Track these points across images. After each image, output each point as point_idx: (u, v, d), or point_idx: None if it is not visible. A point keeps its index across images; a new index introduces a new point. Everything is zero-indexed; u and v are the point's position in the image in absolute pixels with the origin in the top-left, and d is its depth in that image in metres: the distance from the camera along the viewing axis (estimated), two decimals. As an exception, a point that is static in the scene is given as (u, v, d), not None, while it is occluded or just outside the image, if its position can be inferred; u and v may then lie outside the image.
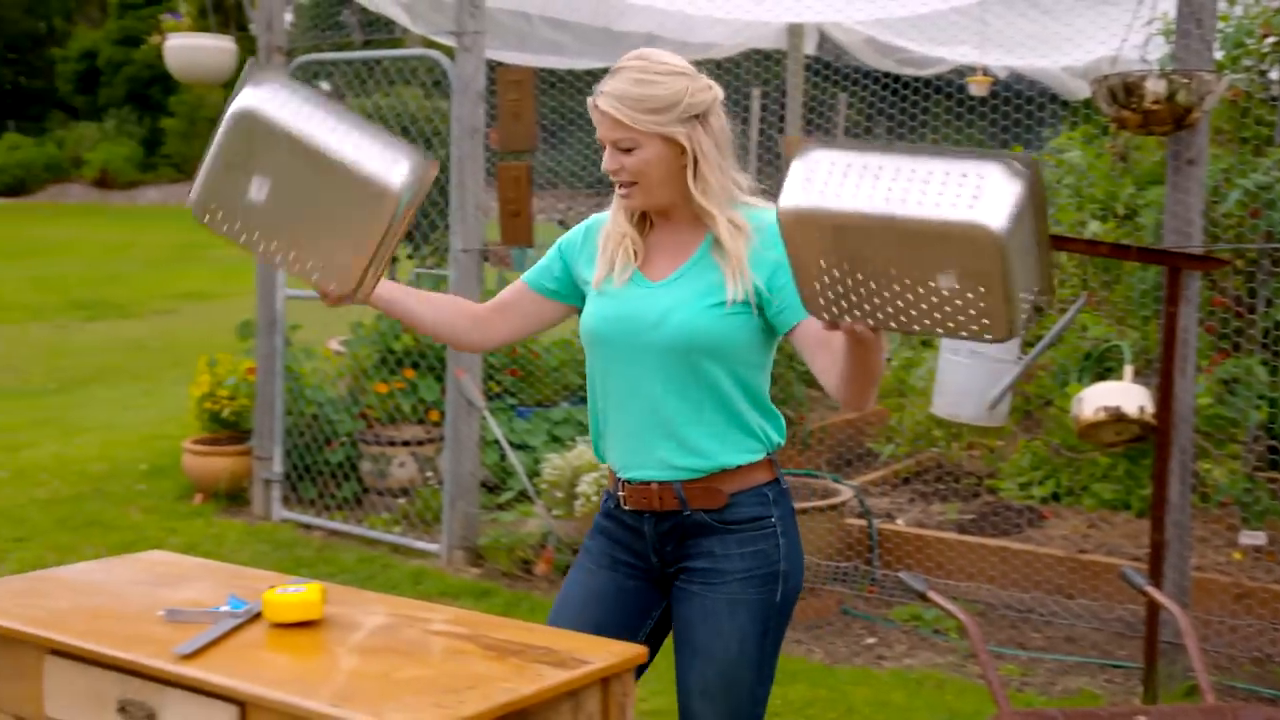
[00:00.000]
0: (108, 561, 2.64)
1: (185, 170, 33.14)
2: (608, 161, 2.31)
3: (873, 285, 1.81)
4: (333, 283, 2.12)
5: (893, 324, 1.84)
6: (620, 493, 2.38)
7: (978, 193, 1.68)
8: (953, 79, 6.71)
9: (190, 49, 6.26)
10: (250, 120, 2.07)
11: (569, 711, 1.95)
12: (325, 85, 7.13)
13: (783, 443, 2.38)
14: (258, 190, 2.06)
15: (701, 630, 2.30)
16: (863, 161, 1.75)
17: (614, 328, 2.34)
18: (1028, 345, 4.82)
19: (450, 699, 1.80)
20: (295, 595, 2.11)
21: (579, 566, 2.47)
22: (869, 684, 4.13)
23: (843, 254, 1.81)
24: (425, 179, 2.08)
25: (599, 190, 7.54)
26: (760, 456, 2.33)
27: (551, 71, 6.89)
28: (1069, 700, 4.01)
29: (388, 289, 2.37)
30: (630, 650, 2.03)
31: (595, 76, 7.12)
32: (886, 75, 6.65)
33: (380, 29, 6.30)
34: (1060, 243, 4.01)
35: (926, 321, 1.80)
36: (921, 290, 1.78)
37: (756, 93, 7.91)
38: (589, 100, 2.35)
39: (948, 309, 1.77)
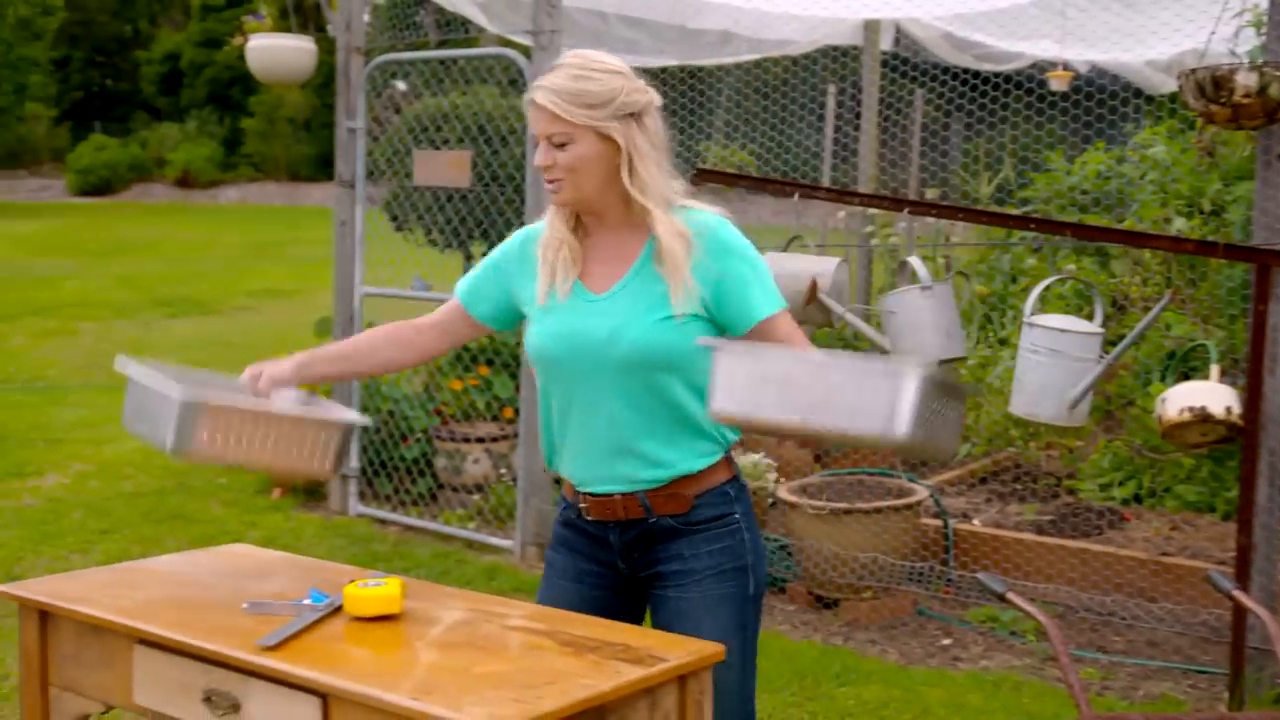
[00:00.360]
0: (192, 554, 2.69)
1: (264, 170, 33.69)
2: (540, 157, 2.29)
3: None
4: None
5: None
6: (581, 504, 2.37)
7: (883, 403, 1.86)
8: (1033, 74, 6.61)
9: (272, 49, 6.35)
10: None
11: (646, 709, 1.95)
12: (401, 84, 7.20)
13: (736, 439, 2.38)
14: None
15: (681, 631, 2.29)
16: (778, 372, 1.92)
17: (563, 346, 2.31)
18: (1110, 344, 4.74)
19: (529, 694, 1.81)
20: (376, 589, 2.13)
21: (546, 581, 2.46)
22: (944, 685, 4.09)
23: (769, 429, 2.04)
24: None
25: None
26: (718, 457, 2.34)
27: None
28: (1151, 705, 3.94)
29: (312, 371, 2.44)
30: (708, 649, 2.03)
31: (671, 75, 7.14)
32: (965, 71, 6.57)
33: (456, 29, 6.34)
34: (1144, 240, 3.95)
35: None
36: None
37: (832, 90, 7.85)
38: (525, 97, 2.34)
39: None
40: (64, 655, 2.30)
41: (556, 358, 2.31)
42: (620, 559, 2.38)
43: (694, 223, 2.29)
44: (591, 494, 2.35)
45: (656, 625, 2.35)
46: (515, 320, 2.45)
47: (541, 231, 2.41)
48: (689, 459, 2.31)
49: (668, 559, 2.34)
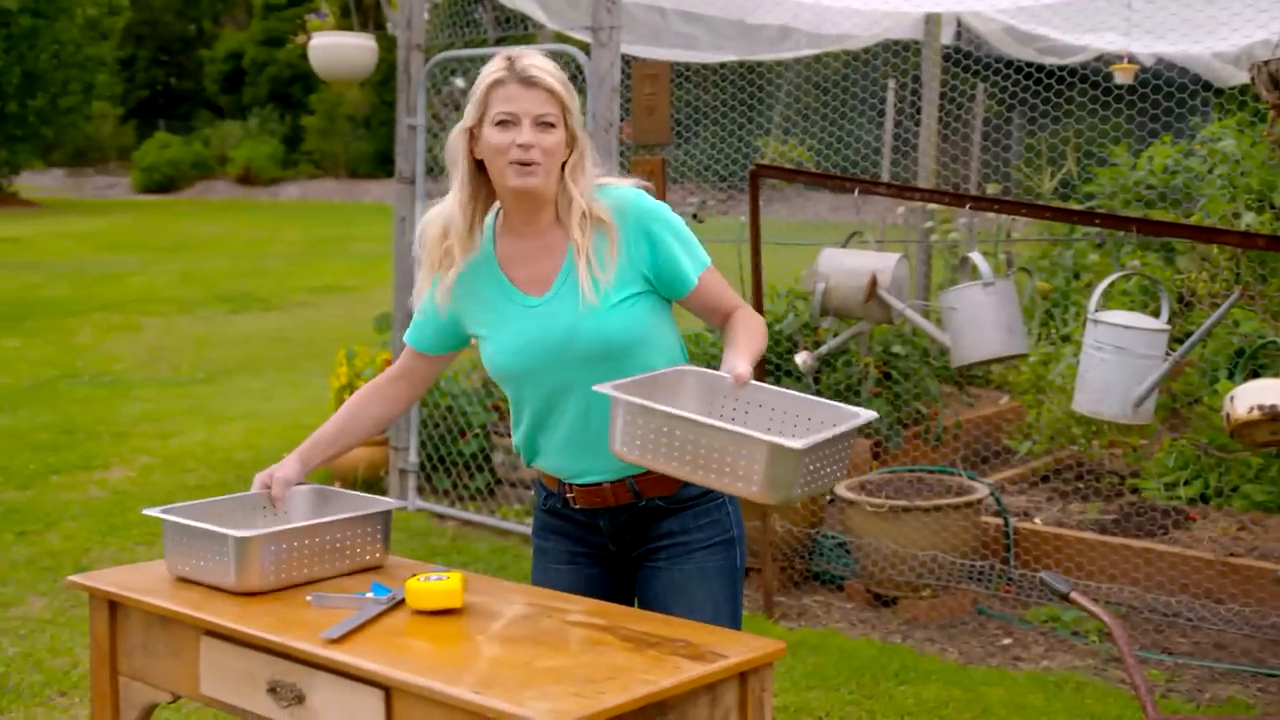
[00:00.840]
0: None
1: (323, 167, 34.06)
2: (525, 135, 2.23)
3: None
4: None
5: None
6: (568, 494, 2.39)
7: (756, 471, 2.02)
8: (1099, 67, 6.51)
9: (335, 47, 6.41)
10: None
11: (707, 705, 1.94)
12: (460, 81, 7.24)
13: None
14: None
15: (675, 603, 2.33)
16: (668, 429, 2.06)
17: (521, 359, 2.31)
18: (1176, 341, 4.67)
19: (590, 689, 1.81)
20: (437, 583, 2.14)
21: (539, 569, 2.49)
22: (1005, 685, 4.04)
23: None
24: None
25: (731, 184, 7.51)
26: None
27: (686, 65, 6.88)
28: (1218, 709, 3.87)
29: (314, 460, 2.53)
30: (770, 645, 2.02)
31: (729, 70, 7.11)
32: (1027, 65, 6.48)
33: (515, 25, 6.37)
34: (1213, 235, 3.88)
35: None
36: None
37: (892, 84, 7.79)
38: (492, 79, 2.26)
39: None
40: (133, 645, 2.33)
41: (520, 371, 2.32)
42: (610, 541, 2.42)
43: (612, 199, 2.30)
44: (579, 484, 2.37)
45: (647, 598, 2.39)
46: (467, 337, 2.44)
47: (425, 220, 2.39)
48: None
49: (659, 535, 2.38)
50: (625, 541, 2.42)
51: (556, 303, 2.29)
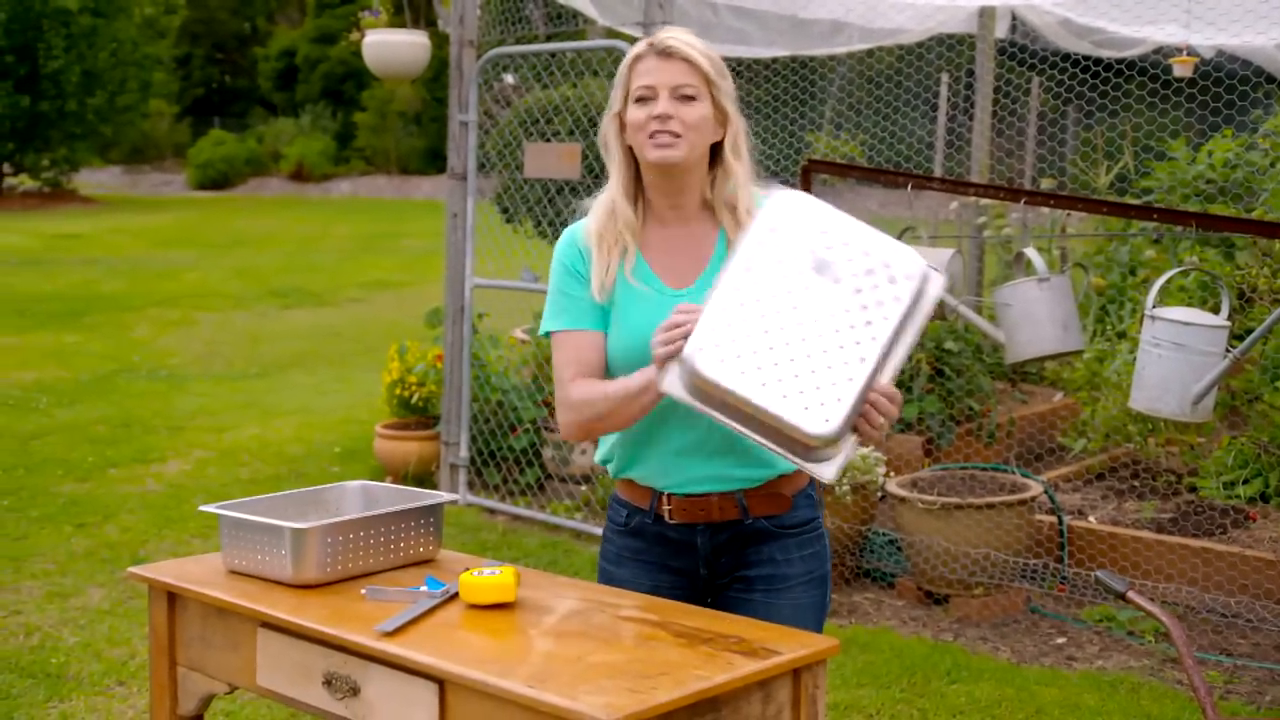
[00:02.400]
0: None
1: (375, 163, 34.32)
2: (663, 106, 2.14)
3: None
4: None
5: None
6: (665, 508, 2.24)
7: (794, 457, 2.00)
8: (1157, 60, 6.42)
9: (388, 45, 6.45)
10: None
11: (759, 702, 1.94)
12: (510, 78, 7.26)
13: None
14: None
15: None
16: (724, 403, 1.98)
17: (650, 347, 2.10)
18: (1236, 338, 4.60)
19: (643, 685, 1.81)
20: (491, 578, 2.15)
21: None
22: (1059, 685, 4.00)
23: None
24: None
25: (783, 180, 7.48)
26: None
27: (739, 61, 6.86)
28: (1279, 712, 3.81)
29: None
30: (823, 642, 2.01)
31: (781, 65, 7.08)
32: (1084, 58, 6.40)
33: (566, 21, 6.38)
34: (1275, 230, 3.81)
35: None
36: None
37: (945, 78, 7.73)
38: (634, 55, 2.18)
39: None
40: (191, 636, 2.36)
41: (644, 358, 2.12)
42: (703, 564, 2.28)
43: (765, 201, 2.22)
44: (681, 495, 2.23)
45: None
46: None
47: (583, 231, 2.26)
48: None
49: (759, 562, 2.25)
50: (720, 565, 2.27)
51: (697, 298, 2.11)
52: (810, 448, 1.99)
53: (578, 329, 2.23)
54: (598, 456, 2.35)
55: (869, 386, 1.98)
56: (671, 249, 2.23)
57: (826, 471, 2.00)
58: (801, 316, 1.99)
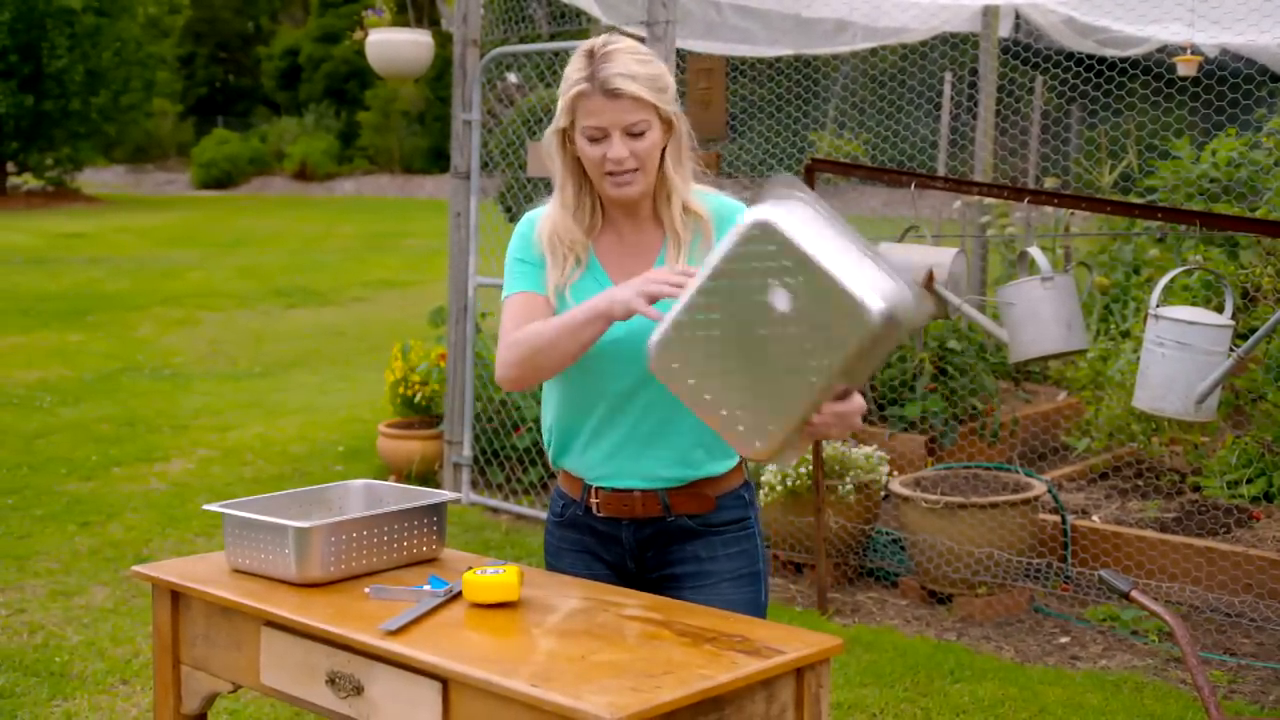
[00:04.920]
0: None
1: (378, 162, 34.34)
2: (616, 149, 2.16)
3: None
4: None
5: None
6: (593, 500, 2.31)
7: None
8: (1161, 59, 6.41)
9: (391, 44, 6.45)
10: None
11: (763, 701, 1.94)
12: (513, 77, 7.27)
13: None
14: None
15: None
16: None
17: (603, 357, 2.21)
18: (1240, 337, 4.59)
19: (647, 684, 1.82)
20: (494, 577, 2.15)
21: None
22: (1062, 684, 4.00)
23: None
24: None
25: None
26: (738, 460, 2.31)
27: (741, 60, 6.86)
28: (1282, 711, 3.81)
29: None
30: (826, 641, 2.01)
31: (785, 64, 7.08)
32: (1088, 57, 6.39)
33: (569, 20, 6.38)
34: (1277, 229, 3.81)
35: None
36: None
37: (948, 77, 7.72)
38: (576, 90, 2.17)
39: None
40: (194, 635, 2.36)
41: (597, 368, 2.23)
42: (630, 558, 2.33)
43: (711, 201, 2.26)
44: (607, 489, 2.29)
45: None
46: None
47: (536, 224, 2.31)
48: (714, 461, 2.28)
49: (683, 560, 2.30)
50: (646, 560, 2.33)
51: None
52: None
53: (536, 292, 2.29)
54: (544, 438, 2.40)
55: (806, 418, 1.95)
56: (625, 250, 2.29)
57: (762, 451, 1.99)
58: (755, 346, 1.95)
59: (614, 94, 2.15)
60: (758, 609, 2.31)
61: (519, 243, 2.33)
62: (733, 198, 2.31)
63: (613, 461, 2.29)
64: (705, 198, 2.28)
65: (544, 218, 2.31)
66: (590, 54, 2.18)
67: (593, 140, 2.19)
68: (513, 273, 2.32)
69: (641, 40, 5.31)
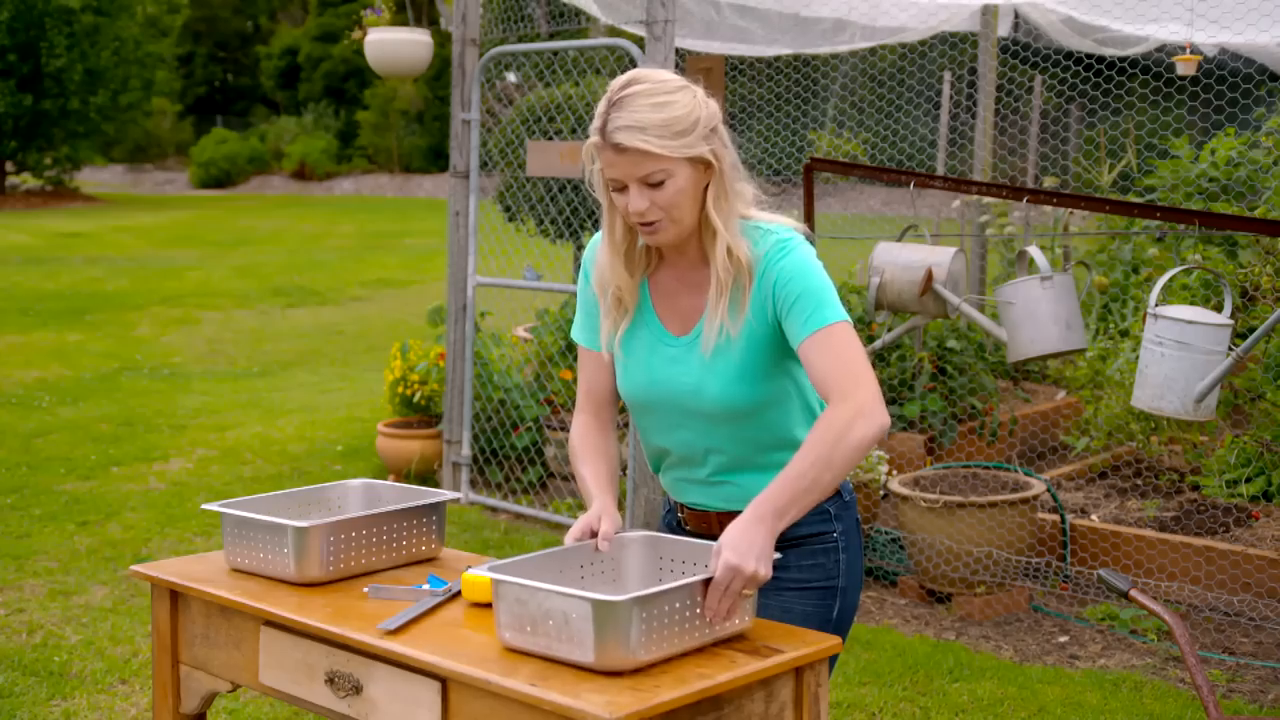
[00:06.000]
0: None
1: (377, 161, 34.34)
2: (635, 202, 2.10)
3: None
4: None
5: None
6: (680, 514, 2.36)
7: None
8: (1160, 58, 6.41)
9: (390, 43, 6.45)
10: None
11: (762, 700, 1.94)
12: (512, 76, 7.26)
13: None
14: None
15: None
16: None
17: (651, 394, 2.24)
18: (1239, 337, 4.59)
19: (646, 683, 1.82)
20: (493, 576, 2.15)
21: None
22: (1061, 683, 4.00)
23: None
24: None
25: (785, 178, 7.48)
26: None
27: (740, 59, 6.86)
28: (1280, 710, 3.81)
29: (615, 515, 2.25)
30: (825, 641, 2.01)
31: (784, 64, 7.09)
32: (1087, 56, 6.39)
33: (569, 20, 6.38)
34: (1277, 228, 3.81)
35: None
36: None
37: (947, 77, 7.73)
38: (589, 142, 2.13)
39: None
40: (194, 634, 2.36)
41: (646, 403, 2.26)
42: None
43: (756, 243, 2.16)
44: (690, 507, 2.33)
45: None
46: None
47: (598, 250, 2.28)
48: None
49: None
50: None
51: (692, 350, 2.19)
52: None
53: (591, 349, 2.35)
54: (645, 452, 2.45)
55: None
56: (676, 292, 2.26)
57: None
58: None
59: (619, 149, 2.08)
60: (825, 623, 2.25)
61: (582, 273, 2.34)
62: (781, 224, 2.20)
63: (689, 490, 2.31)
64: (751, 236, 2.18)
65: (599, 252, 2.28)
66: (609, 101, 2.12)
67: (616, 190, 2.15)
68: (579, 312, 2.38)
69: (640, 40, 5.31)
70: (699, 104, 2.11)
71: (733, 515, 2.21)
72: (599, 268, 2.27)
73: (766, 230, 2.18)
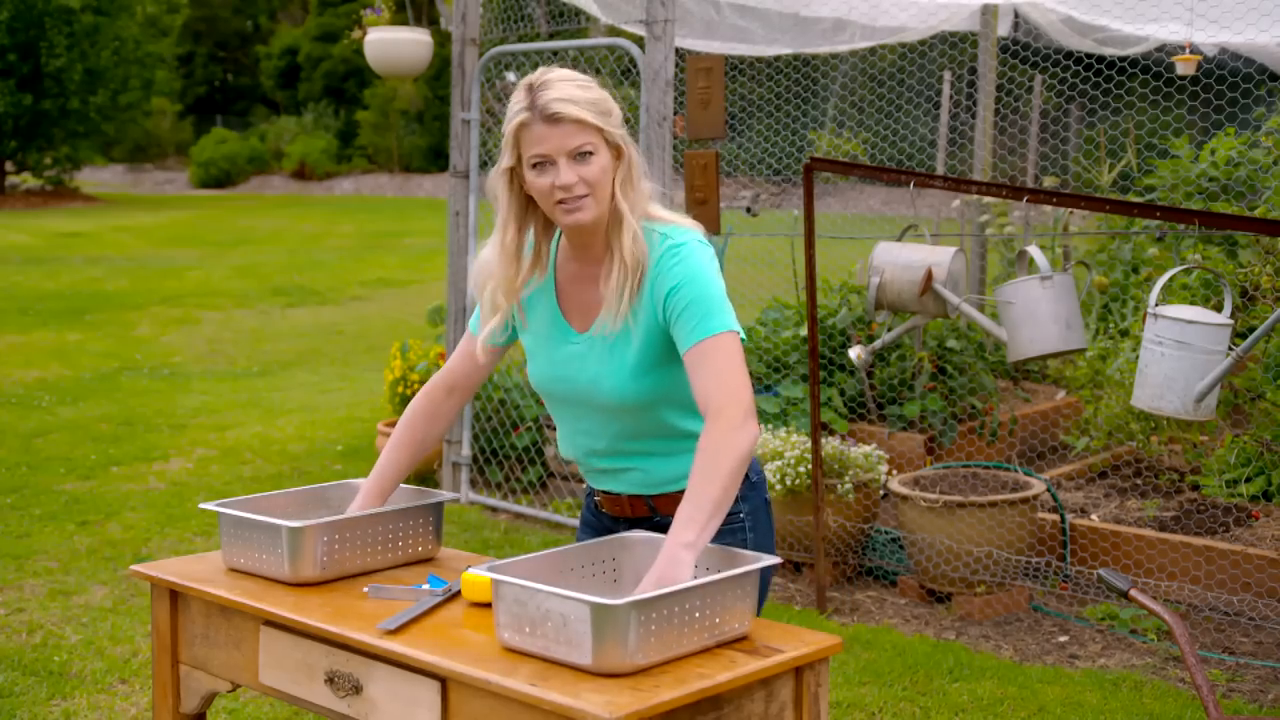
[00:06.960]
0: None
1: (377, 161, 34.33)
2: (564, 175, 2.15)
3: None
4: None
5: None
6: (596, 497, 2.45)
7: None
8: (1160, 58, 6.41)
9: (390, 43, 6.44)
10: None
11: (762, 700, 1.94)
12: (512, 76, 7.26)
13: None
14: None
15: None
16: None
17: (556, 388, 2.35)
18: (1239, 336, 4.59)
19: (645, 683, 1.82)
20: (493, 575, 2.15)
21: None
22: (1061, 683, 4.00)
23: None
24: None
25: (784, 178, 7.48)
26: None
27: (740, 59, 6.86)
28: (1280, 710, 3.81)
29: (375, 496, 2.42)
30: (825, 640, 2.01)
31: (784, 63, 7.08)
32: (1087, 56, 6.39)
33: (568, 19, 6.38)
34: (1277, 228, 3.81)
35: None
36: None
37: (947, 76, 7.72)
38: (518, 120, 2.16)
39: None
40: (193, 634, 2.36)
41: (551, 395, 2.37)
42: None
43: (655, 241, 2.22)
44: (603, 492, 2.41)
45: None
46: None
47: (479, 262, 2.35)
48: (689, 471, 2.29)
49: None
50: None
51: (590, 346, 2.28)
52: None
53: (473, 336, 2.44)
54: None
55: None
56: (581, 287, 2.32)
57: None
58: None
59: (554, 119, 2.13)
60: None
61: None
62: (681, 226, 2.25)
63: (599, 477, 2.41)
64: (653, 231, 2.24)
65: (483, 250, 2.35)
66: (529, 86, 2.18)
67: (540, 169, 2.18)
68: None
69: (640, 40, 5.31)
70: (609, 97, 2.23)
71: (642, 499, 2.36)
72: (479, 264, 2.34)
73: (661, 233, 2.24)
